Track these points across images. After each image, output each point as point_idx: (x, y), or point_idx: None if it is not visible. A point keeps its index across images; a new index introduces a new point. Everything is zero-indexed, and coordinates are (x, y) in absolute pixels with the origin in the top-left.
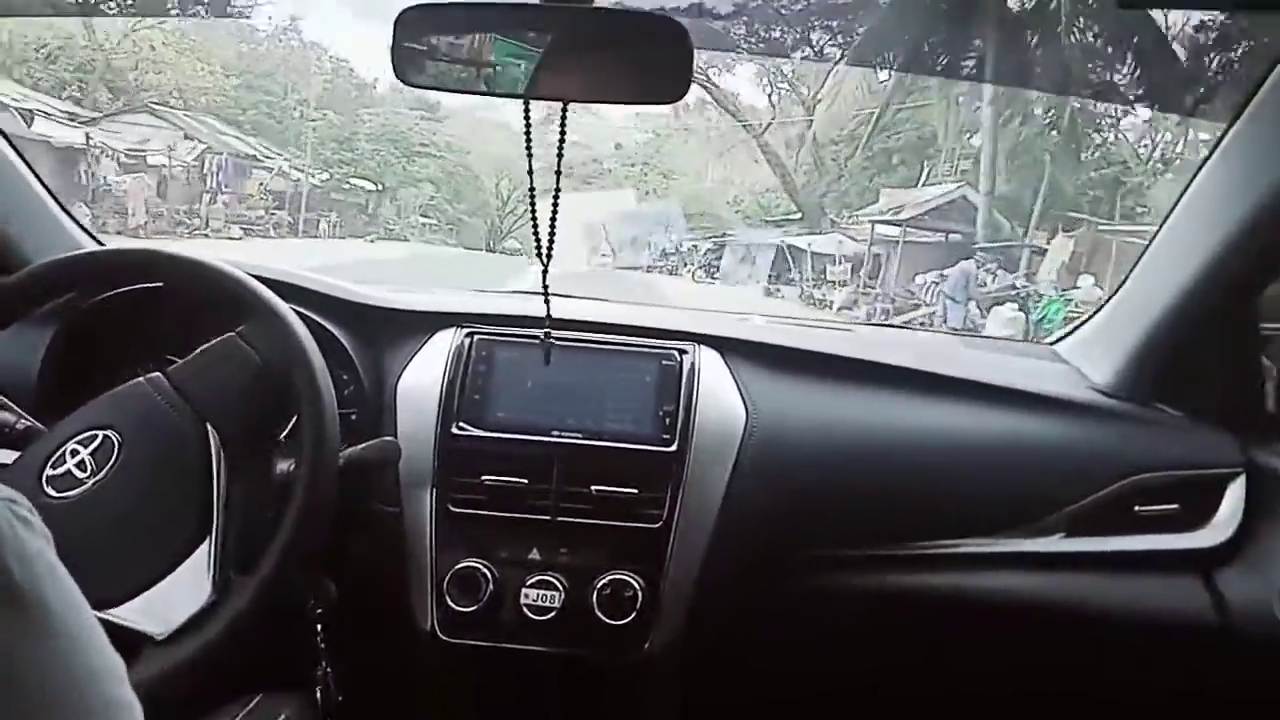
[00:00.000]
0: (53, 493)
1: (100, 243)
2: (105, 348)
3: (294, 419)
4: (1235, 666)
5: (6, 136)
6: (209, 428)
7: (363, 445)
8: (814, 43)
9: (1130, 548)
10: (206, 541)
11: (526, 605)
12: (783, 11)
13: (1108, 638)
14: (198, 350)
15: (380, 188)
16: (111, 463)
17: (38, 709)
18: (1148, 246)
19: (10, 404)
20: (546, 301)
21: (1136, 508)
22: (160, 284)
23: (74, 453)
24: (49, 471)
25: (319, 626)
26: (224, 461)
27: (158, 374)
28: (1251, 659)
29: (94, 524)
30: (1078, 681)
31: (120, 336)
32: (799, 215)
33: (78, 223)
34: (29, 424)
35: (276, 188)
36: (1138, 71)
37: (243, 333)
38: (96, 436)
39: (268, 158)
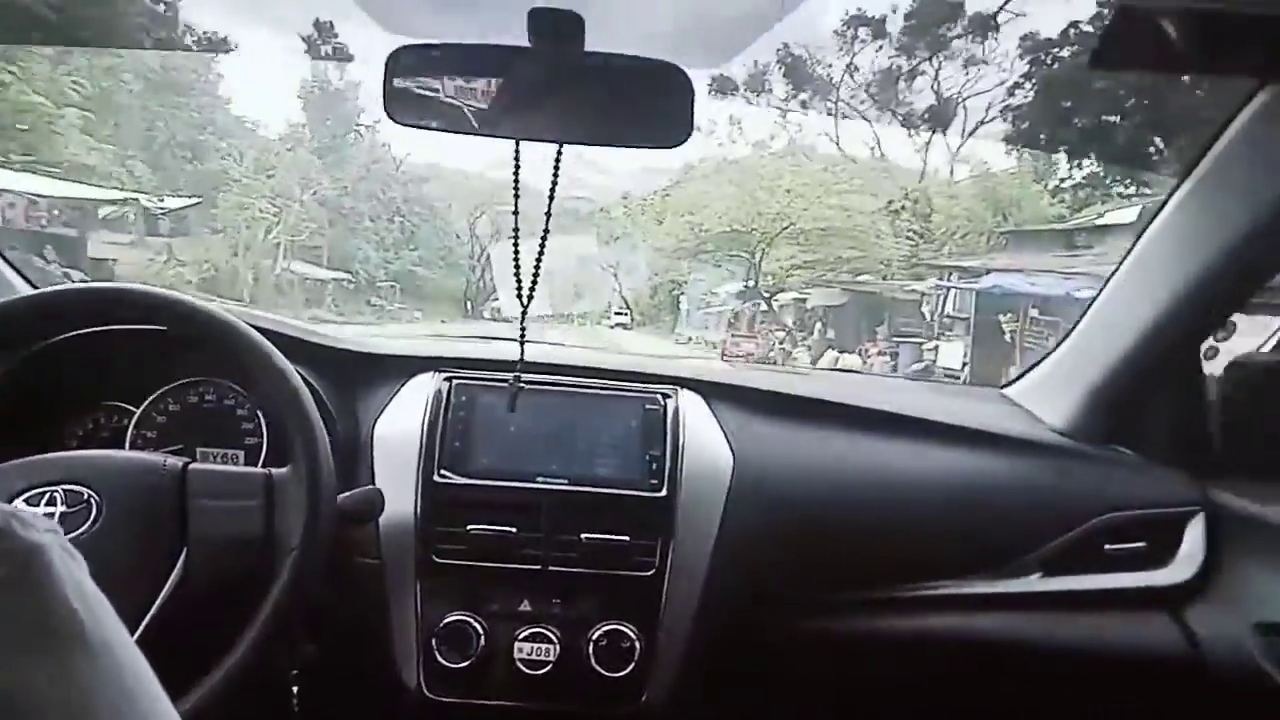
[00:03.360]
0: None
1: (34, 285)
2: (54, 391)
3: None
4: (1209, 701)
5: None
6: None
7: (347, 494)
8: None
9: (1103, 586)
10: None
11: (521, 660)
12: None
13: (1085, 676)
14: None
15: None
16: (90, 523)
17: None
18: (1097, 295)
19: None
20: (522, 344)
21: (1106, 546)
22: (118, 325)
23: (50, 500)
24: (21, 509)
25: (294, 689)
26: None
27: (174, 461)
28: (1226, 693)
29: None
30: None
31: (71, 380)
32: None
33: (11, 264)
34: None
35: None
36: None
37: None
38: (78, 493)
39: None
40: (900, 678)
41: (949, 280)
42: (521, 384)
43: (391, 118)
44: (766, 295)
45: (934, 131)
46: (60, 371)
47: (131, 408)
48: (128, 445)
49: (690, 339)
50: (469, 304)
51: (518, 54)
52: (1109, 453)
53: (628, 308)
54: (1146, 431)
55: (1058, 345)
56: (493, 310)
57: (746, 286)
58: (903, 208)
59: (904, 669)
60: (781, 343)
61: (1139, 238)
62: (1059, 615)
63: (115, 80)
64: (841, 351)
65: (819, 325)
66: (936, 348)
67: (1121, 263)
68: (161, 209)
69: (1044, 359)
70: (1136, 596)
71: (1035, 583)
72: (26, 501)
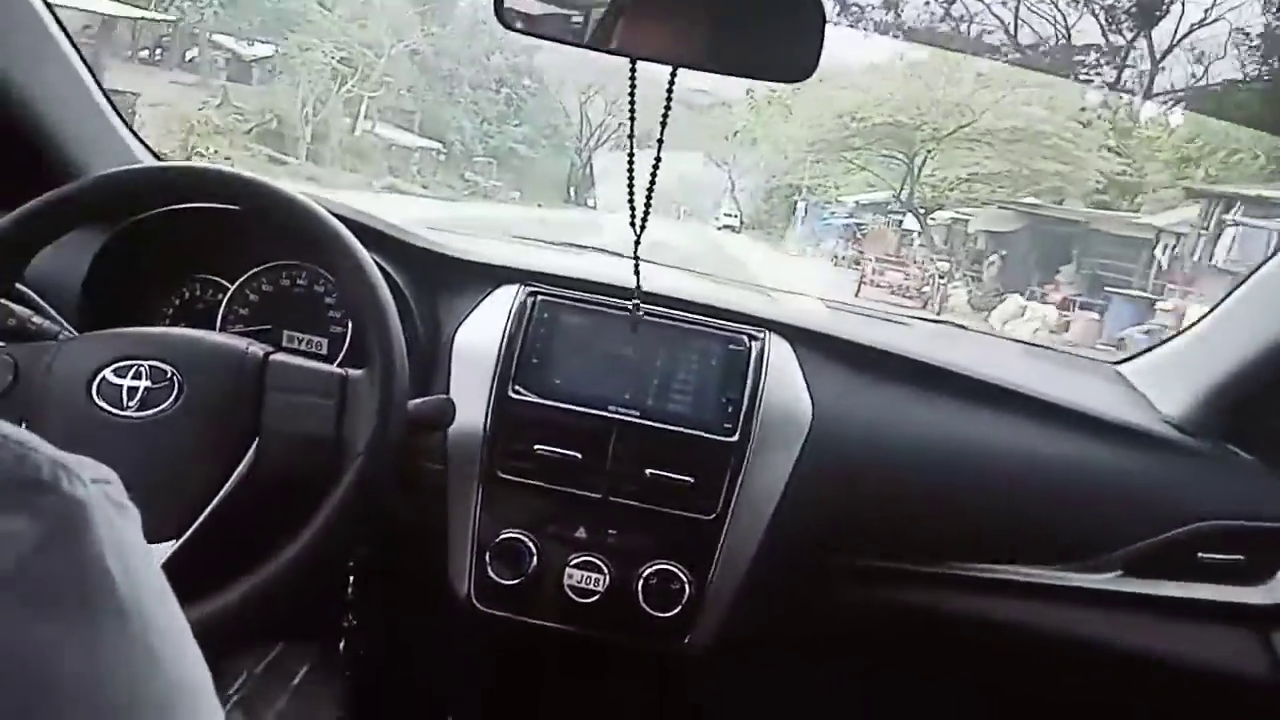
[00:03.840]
0: (105, 405)
1: (159, 157)
2: (150, 263)
3: None
4: None
5: (75, 45)
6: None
7: (419, 400)
8: None
9: (1189, 595)
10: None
11: (570, 585)
12: None
13: (1151, 684)
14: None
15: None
16: (171, 401)
17: None
18: (1242, 281)
19: (46, 307)
20: (637, 272)
21: (1200, 554)
22: (221, 205)
23: (136, 374)
24: (109, 378)
25: (349, 580)
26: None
27: (256, 349)
28: None
29: (148, 451)
30: None
31: (168, 253)
32: None
33: (139, 137)
34: (59, 328)
35: None
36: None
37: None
38: (163, 370)
39: None
40: (951, 658)
41: (1232, 215)
42: (640, 314)
43: (501, 21)
44: (922, 211)
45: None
46: (155, 245)
47: (226, 283)
48: (219, 322)
49: (804, 252)
50: (573, 190)
51: None
52: (1221, 452)
53: (738, 210)
54: (1268, 437)
55: (1188, 328)
56: (595, 199)
57: (896, 198)
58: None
59: (957, 649)
60: (941, 276)
61: None
62: (1133, 618)
63: None
64: (1029, 299)
65: (995, 258)
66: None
67: (1273, 254)
68: (253, 56)
69: (1170, 339)
70: (1222, 611)
71: (1114, 581)
72: (114, 372)
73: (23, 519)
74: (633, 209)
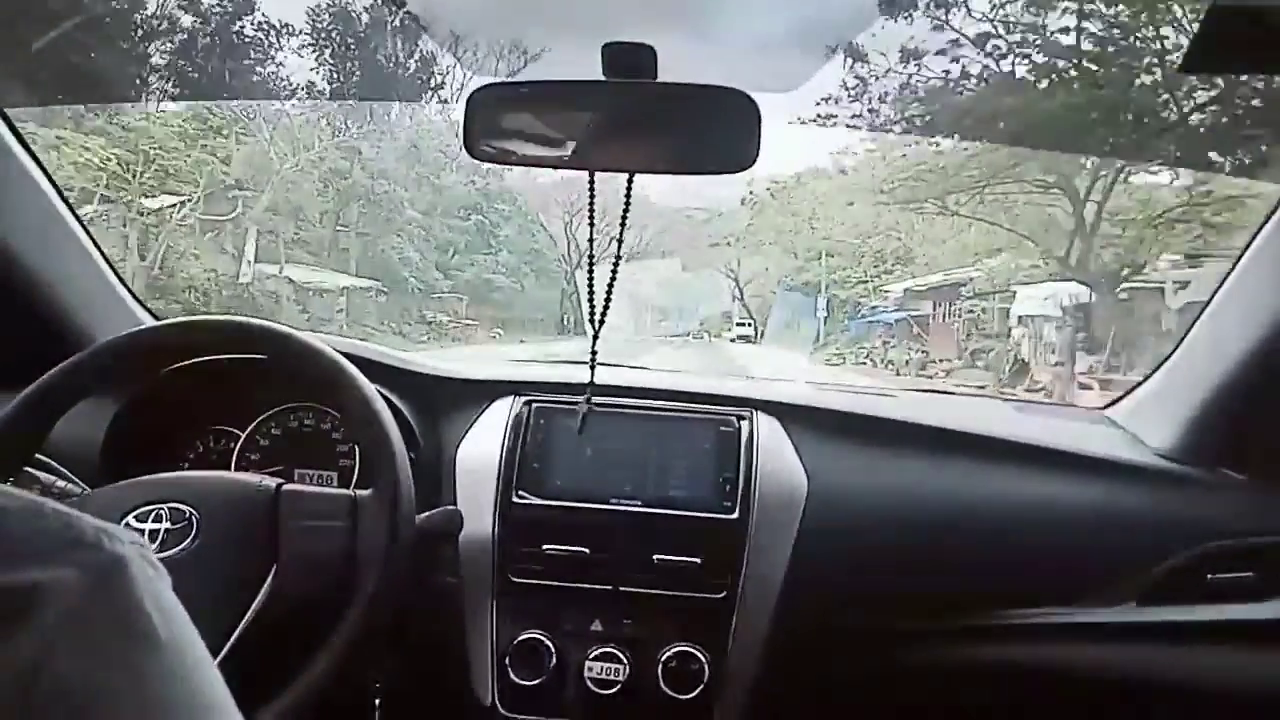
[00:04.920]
0: None
1: (156, 316)
2: (163, 421)
3: None
4: None
5: (76, 214)
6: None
7: (426, 514)
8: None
9: (1204, 618)
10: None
11: (590, 679)
12: None
13: (1187, 711)
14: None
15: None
16: (190, 539)
17: None
18: (1205, 307)
19: (66, 472)
20: (592, 368)
21: (1209, 575)
22: (227, 356)
23: (156, 517)
24: (131, 524)
25: (376, 701)
26: None
27: (268, 482)
28: None
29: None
30: None
31: (180, 409)
32: None
33: (139, 300)
34: (80, 489)
35: None
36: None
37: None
38: (181, 511)
39: None
40: (980, 710)
41: None
42: (592, 407)
43: (472, 154)
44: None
45: None
46: (166, 403)
47: (238, 431)
48: (233, 467)
49: (847, 356)
50: (566, 318)
51: (593, 88)
52: (1215, 476)
53: (750, 317)
54: (1256, 454)
55: (1162, 362)
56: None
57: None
58: None
59: (984, 701)
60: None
61: (1247, 247)
62: (1155, 647)
63: None
64: None
65: None
66: None
67: (1229, 273)
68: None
69: (1149, 377)
70: (1242, 630)
71: (1130, 612)
72: (136, 518)
73: (73, 571)
74: (591, 309)
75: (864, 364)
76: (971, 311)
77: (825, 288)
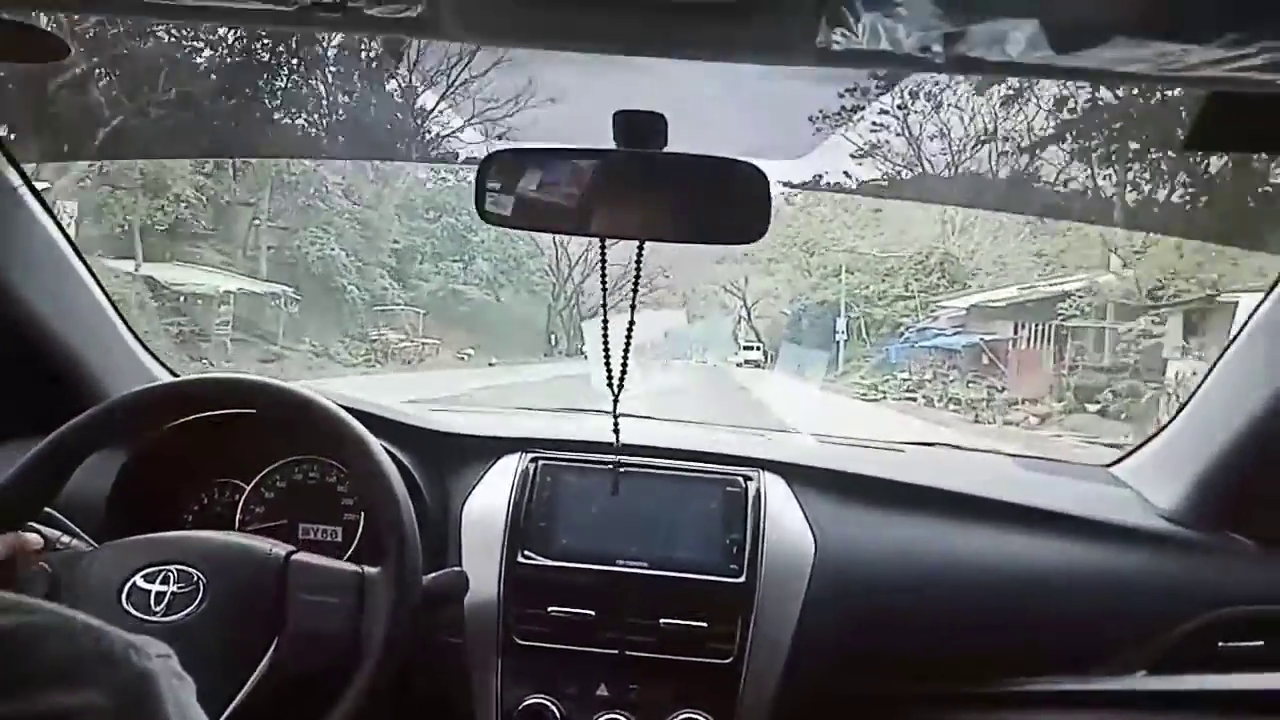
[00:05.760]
0: (134, 611)
1: (173, 372)
2: (169, 474)
3: None
4: None
5: (89, 266)
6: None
7: (433, 576)
8: None
9: (1216, 687)
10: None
11: None
12: None
13: None
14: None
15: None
16: (196, 604)
17: None
18: (1212, 369)
19: (73, 526)
20: (616, 431)
21: (1220, 644)
22: (233, 411)
23: (164, 579)
24: (139, 583)
25: None
26: None
27: (278, 551)
28: None
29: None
30: None
31: (185, 462)
32: None
33: (153, 353)
34: (87, 546)
35: None
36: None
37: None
38: (189, 574)
39: None
40: None
41: None
42: (622, 469)
43: (484, 217)
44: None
45: None
46: (173, 457)
47: (242, 484)
48: (237, 522)
49: (875, 388)
50: (554, 337)
51: (604, 155)
52: (1224, 541)
53: (758, 339)
54: (1264, 519)
55: (1170, 421)
56: (586, 347)
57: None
58: None
59: None
60: None
61: (1258, 306)
62: (1165, 717)
63: None
64: None
65: None
66: None
67: (1237, 335)
68: None
69: (1156, 435)
70: (1254, 700)
71: (1139, 681)
72: (144, 578)
73: (102, 693)
74: (609, 372)
75: (911, 399)
76: (1074, 335)
77: (845, 307)
